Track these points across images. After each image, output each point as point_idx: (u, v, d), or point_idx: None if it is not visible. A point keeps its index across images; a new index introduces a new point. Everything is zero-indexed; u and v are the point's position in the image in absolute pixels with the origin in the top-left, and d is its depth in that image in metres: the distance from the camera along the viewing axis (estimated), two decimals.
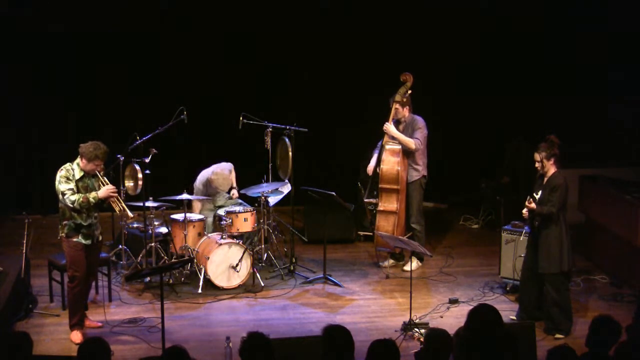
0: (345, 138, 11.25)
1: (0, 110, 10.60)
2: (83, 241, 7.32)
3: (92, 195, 7.22)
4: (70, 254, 7.34)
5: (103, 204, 7.41)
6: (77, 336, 7.39)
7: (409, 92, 9.08)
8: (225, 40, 11.06)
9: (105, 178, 7.43)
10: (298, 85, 11.14)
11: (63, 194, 7.18)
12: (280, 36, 11.02)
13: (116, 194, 7.36)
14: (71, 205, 7.19)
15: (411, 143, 8.99)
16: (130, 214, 7.48)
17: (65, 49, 10.68)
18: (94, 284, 8.49)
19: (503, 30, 11.20)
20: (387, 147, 9.09)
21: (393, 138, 9.08)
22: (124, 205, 7.45)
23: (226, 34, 11.04)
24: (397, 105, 9.06)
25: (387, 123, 9.05)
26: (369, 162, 9.34)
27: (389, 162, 9.05)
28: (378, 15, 11.10)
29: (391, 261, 9.44)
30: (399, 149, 9.04)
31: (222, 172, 9.46)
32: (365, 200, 9.40)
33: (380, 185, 9.09)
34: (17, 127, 10.83)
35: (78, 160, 7.26)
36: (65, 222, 7.30)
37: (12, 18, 10.46)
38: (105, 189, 7.28)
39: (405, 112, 9.11)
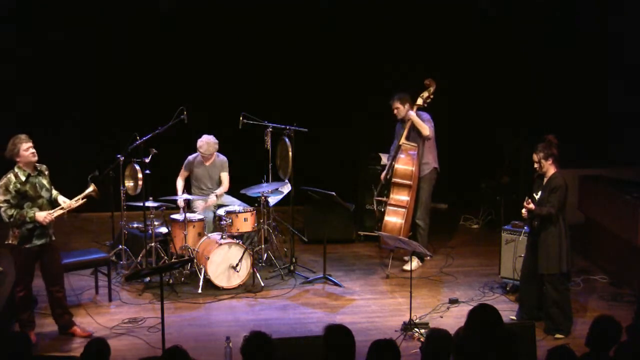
0: (346, 138, 11.25)
1: (0, 111, 10.61)
2: (38, 243, 7.15)
3: (29, 215, 7.02)
4: (20, 263, 7.19)
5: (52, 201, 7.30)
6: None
7: (431, 97, 9.16)
8: (225, 40, 11.06)
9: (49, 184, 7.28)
10: (298, 85, 11.14)
11: (0, 207, 7.01)
12: (280, 35, 11.02)
13: (52, 220, 7.12)
14: (7, 220, 7.02)
15: (425, 129, 9.06)
16: (89, 189, 7.40)
17: (64, 50, 10.70)
18: (94, 283, 8.52)
19: (504, 30, 11.21)
20: (403, 148, 9.15)
21: (408, 138, 9.11)
22: (80, 197, 7.33)
23: (226, 34, 11.04)
24: (397, 104, 9.05)
25: (410, 111, 9.11)
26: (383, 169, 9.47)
27: (404, 160, 9.13)
28: (379, 14, 11.11)
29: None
30: (415, 147, 9.09)
31: (207, 138, 9.38)
32: (376, 198, 9.43)
33: (393, 180, 9.14)
34: (17, 128, 10.81)
35: (17, 164, 7.10)
36: (17, 232, 7.08)
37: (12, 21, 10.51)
38: (44, 215, 7.05)
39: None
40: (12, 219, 7.01)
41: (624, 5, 10.67)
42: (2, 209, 7.00)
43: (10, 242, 7.15)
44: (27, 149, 7.08)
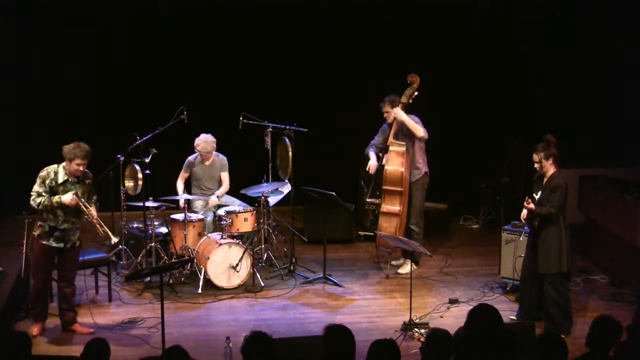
0: (346, 137, 11.24)
1: (1, 111, 10.62)
2: (54, 244, 7.26)
3: (55, 199, 7.13)
4: (36, 255, 7.34)
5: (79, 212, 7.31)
6: (35, 330, 7.42)
7: (415, 93, 9.03)
8: (225, 40, 11.06)
9: (93, 197, 7.38)
10: (298, 85, 11.14)
11: (31, 195, 7.17)
12: (280, 35, 11.02)
13: (77, 203, 7.17)
14: (35, 207, 7.17)
15: (420, 131, 8.92)
16: (114, 238, 7.51)
17: (64, 52, 10.70)
18: (94, 283, 8.52)
19: (504, 30, 11.21)
20: (391, 148, 9.05)
21: (397, 137, 9.04)
22: (106, 228, 7.37)
23: (226, 34, 11.05)
24: (388, 108, 8.99)
25: (396, 108, 8.97)
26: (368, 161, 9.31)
27: (393, 163, 9.00)
28: (379, 14, 11.11)
29: (395, 262, 9.40)
30: (403, 150, 8.99)
31: (205, 137, 9.36)
32: (368, 200, 9.39)
33: (384, 187, 9.04)
34: (18, 127, 10.83)
35: (65, 162, 7.22)
36: (40, 223, 7.26)
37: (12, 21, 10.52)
38: (70, 197, 7.14)
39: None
40: (40, 206, 7.15)
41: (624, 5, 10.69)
42: (32, 197, 7.17)
43: (35, 232, 7.30)
44: (78, 164, 7.16)
